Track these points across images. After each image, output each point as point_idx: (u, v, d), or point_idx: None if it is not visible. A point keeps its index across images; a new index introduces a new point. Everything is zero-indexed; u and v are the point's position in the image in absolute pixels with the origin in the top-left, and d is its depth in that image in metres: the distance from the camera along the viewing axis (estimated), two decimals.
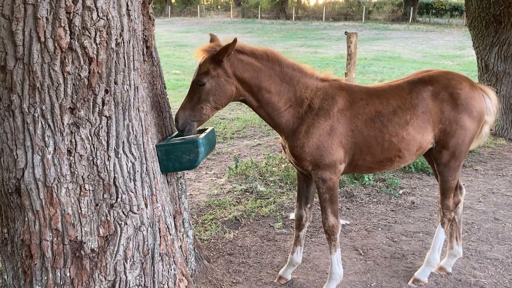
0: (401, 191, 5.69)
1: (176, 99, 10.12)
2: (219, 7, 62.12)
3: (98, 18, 2.26)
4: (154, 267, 2.71)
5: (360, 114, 3.21)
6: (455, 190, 3.65)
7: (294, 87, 3.17)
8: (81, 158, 2.37)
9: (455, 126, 3.30)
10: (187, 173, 6.25)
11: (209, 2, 65.64)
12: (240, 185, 5.86)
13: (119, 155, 2.49)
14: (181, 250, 3.24)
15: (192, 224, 3.94)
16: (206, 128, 3.37)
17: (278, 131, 3.30)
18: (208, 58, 2.96)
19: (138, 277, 2.62)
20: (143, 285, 2.66)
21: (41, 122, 2.27)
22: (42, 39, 2.16)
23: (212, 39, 3.13)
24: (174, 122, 3.03)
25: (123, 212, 2.53)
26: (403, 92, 3.31)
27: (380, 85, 3.49)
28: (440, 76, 3.38)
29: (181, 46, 24.98)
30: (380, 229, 4.72)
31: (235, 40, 2.87)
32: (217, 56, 2.91)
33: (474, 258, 4.09)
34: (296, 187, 3.81)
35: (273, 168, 6.41)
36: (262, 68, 3.07)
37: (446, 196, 3.56)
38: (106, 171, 2.45)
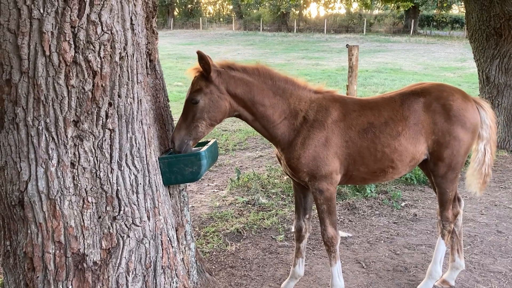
0: (403, 204, 5.68)
1: (178, 111, 10.11)
2: (221, 19, 62.61)
3: (103, 32, 2.29)
4: (156, 280, 2.70)
5: (354, 125, 3.26)
6: (453, 202, 3.66)
7: (287, 100, 3.21)
8: (84, 170, 2.39)
9: (448, 137, 3.32)
10: (189, 185, 6.25)
11: (211, 15, 66.17)
12: (242, 197, 5.86)
13: (122, 168, 2.50)
14: (183, 263, 3.23)
15: (194, 236, 3.93)
16: (208, 140, 3.39)
17: (274, 143, 3.33)
18: (200, 76, 3.01)
19: None
20: None
21: (45, 135, 2.29)
22: (47, 53, 2.19)
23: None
24: (170, 143, 3.05)
25: (126, 225, 2.53)
26: (395, 104, 3.35)
27: (373, 97, 3.55)
28: (432, 88, 3.42)
29: (183, 58, 25.13)
30: (382, 241, 4.70)
31: (201, 55, 2.89)
32: (206, 74, 2.97)
33: (477, 271, 4.07)
34: (293, 199, 3.81)
35: (275, 180, 6.41)
36: (254, 83, 3.12)
37: (445, 208, 3.57)
38: (109, 184, 2.46)
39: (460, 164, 3.43)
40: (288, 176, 3.54)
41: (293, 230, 4.83)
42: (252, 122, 3.23)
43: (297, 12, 54.02)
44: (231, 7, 58.66)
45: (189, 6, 61.64)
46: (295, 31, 48.17)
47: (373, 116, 3.29)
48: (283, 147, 3.27)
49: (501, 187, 6.30)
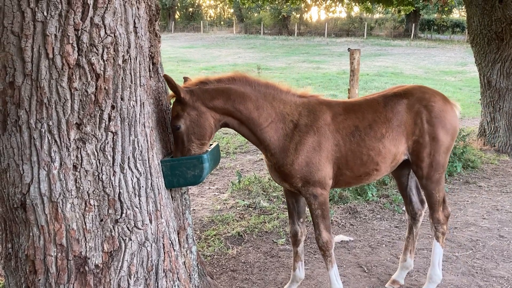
0: (404, 208, 5.66)
1: None
2: (222, 23, 62.72)
3: (106, 35, 2.29)
4: (158, 283, 2.69)
5: (341, 129, 3.25)
6: (443, 203, 3.69)
7: (271, 103, 3.15)
8: (87, 173, 2.38)
9: (428, 137, 3.37)
10: (190, 188, 6.24)
11: (212, 18, 66.29)
12: (243, 200, 5.85)
13: (125, 171, 2.50)
14: (185, 266, 3.22)
15: (195, 239, 3.92)
16: (211, 143, 3.38)
17: (262, 148, 3.25)
18: (175, 102, 2.97)
19: None
20: None
21: (48, 138, 2.28)
22: (50, 55, 2.19)
23: (185, 81, 3.11)
24: None
25: (128, 228, 2.53)
26: (379, 106, 3.38)
27: (356, 99, 3.56)
28: (415, 89, 3.47)
29: (184, 62, 25.16)
30: (384, 245, 4.69)
31: (167, 79, 2.83)
32: (177, 96, 2.91)
33: (479, 276, 4.06)
34: (286, 204, 3.81)
35: (276, 184, 6.40)
36: (232, 88, 3.05)
37: (435, 210, 3.62)
38: (111, 187, 2.45)
39: (441, 164, 3.46)
40: (276, 182, 3.51)
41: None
42: (238, 127, 3.15)
43: (298, 15, 54.13)
44: (232, 10, 58.76)
45: (190, 9, 61.79)
46: (296, 34, 48.21)
47: (358, 119, 3.30)
48: (273, 152, 3.20)
49: (503, 192, 6.29)
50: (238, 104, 3.05)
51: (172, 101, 3.03)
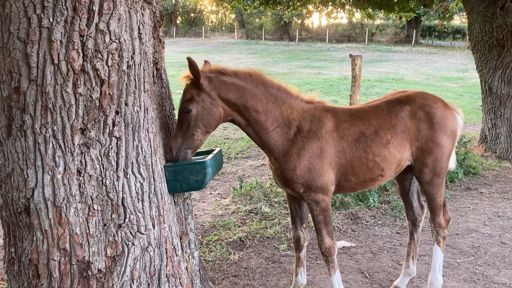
0: (405, 213, 5.65)
1: None
2: (223, 28, 62.88)
3: (111, 41, 2.31)
4: None
5: (346, 135, 3.26)
6: (444, 207, 3.72)
7: (280, 108, 3.16)
8: (91, 178, 2.40)
9: (431, 143, 3.41)
10: (191, 193, 6.25)
11: (213, 23, 66.48)
12: (245, 205, 5.85)
13: (128, 176, 2.51)
14: (187, 271, 3.22)
15: (197, 245, 3.92)
16: (213, 148, 3.39)
17: (266, 151, 3.26)
18: (190, 84, 2.95)
19: None
20: None
21: (52, 142, 2.30)
22: (56, 61, 2.21)
23: (205, 64, 3.10)
24: (168, 152, 2.98)
25: (131, 233, 2.54)
26: (383, 112, 3.40)
27: (360, 106, 3.57)
28: (417, 96, 3.51)
29: (186, 67, 24.97)
30: (385, 251, 4.69)
31: (191, 62, 2.81)
32: (196, 81, 2.90)
33: (481, 283, 4.05)
34: (289, 209, 3.82)
35: (278, 189, 6.41)
36: (247, 87, 3.05)
37: (436, 214, 3.66)
38: (114, 192, 2.46)
39: (444, 169, 3.52)
40: (279, 187, 3.51)
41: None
42: (245, 127, 3.16)
43: (299, 21, 54.27)
44: (233, 16, 58.96)
45: (192, 14, 61.99)
46: (297, 40, 48.35)
47: (364, 126, 3.32)
48: (276, 156, 3.21)
49: (504, 198, 6.28)
50: (249, 105, 3.06)
51: (185, 82, 2.98)
